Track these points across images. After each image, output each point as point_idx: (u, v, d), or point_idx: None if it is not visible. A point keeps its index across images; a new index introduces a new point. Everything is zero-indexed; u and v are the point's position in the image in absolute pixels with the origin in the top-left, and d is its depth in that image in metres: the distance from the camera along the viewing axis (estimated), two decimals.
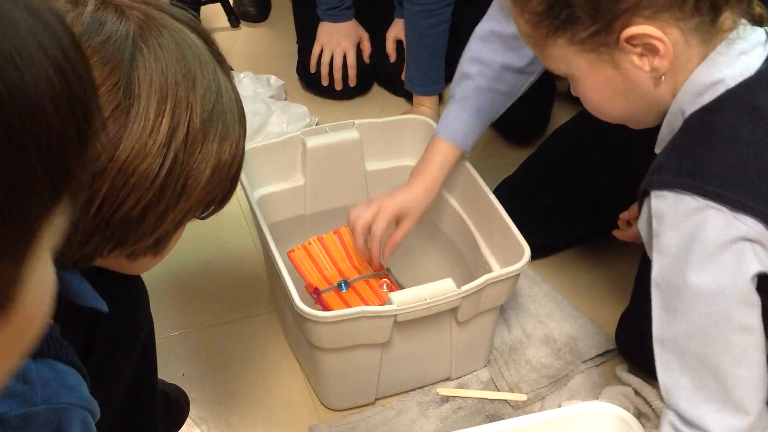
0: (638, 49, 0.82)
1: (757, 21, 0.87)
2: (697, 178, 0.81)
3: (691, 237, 0.81)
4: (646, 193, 0.86)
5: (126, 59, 0.65)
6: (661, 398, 1.15)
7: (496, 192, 1.39)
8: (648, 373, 1.18)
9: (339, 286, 1.28)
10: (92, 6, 0.66)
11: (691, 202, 0.80)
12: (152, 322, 0.91)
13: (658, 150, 0.91)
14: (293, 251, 1.32)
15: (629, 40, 0.81)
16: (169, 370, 1.24)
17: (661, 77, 0.84)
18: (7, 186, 0.35)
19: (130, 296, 0.86)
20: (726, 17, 0.84)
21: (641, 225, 0.89)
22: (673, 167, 0.83)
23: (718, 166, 0.81)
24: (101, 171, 0.64)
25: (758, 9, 0.87)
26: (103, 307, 0.69)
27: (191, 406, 1.19)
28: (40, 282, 0.41)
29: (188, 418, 1.18)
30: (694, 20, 0.82)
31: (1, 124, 0.35)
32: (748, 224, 0.79)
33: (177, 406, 1.14)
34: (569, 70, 0.89)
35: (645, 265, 1.28)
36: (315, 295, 1.27)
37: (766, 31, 0.87)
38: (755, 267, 0.80)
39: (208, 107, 0.69)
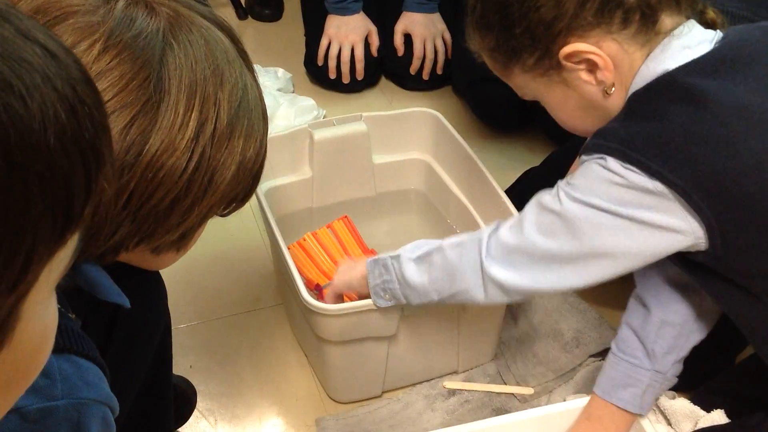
0: (582, 66, 0.88)
1: (710, 25, 0.90)
2: (623, 144, 0.84)
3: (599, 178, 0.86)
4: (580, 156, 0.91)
5: (156, 55, 0.65)
6: (667, 396, 1.16)
7: (517, 183, 1.39)
8: None
9: None
10: (123, 2, 0.67)
11: (613, 164, 0.84)
12: (169, 317, 0.92)
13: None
14: (290, 248, 1.32)
15: (567, 58, 0.87)
16: (176, 362, 1.23)
17: (611, 87, 0.88)
18: (8, 221, 0.34)
19: (148, 290, 0.87)
20: (664, 20, 0.87)
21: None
22: (606, 133, 0.87)
23: (644, 136, 0.83)
24: (131, 165, 0.64)
25: (711, 14, 0.91)
26: (126, 302, 0.69)
27: (198, 398, 1.19)
28: (40, 317, 0.40)
29: (195, 410, 1.19)
30: (628, 31, 0.86)
31: (4, 158, 0.34)
32: None
33: (184, 398, 1.15)
34: (534, 95, 0.96)
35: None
36: (316, 292, 1.27)
37: (717, 33, 0.89)
38: None
39: (235, 104, 0.69)
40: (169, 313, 0.91)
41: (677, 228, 0.84)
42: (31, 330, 0.39)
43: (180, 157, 0.66)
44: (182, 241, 0.74)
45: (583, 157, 0.88)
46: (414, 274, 1.00)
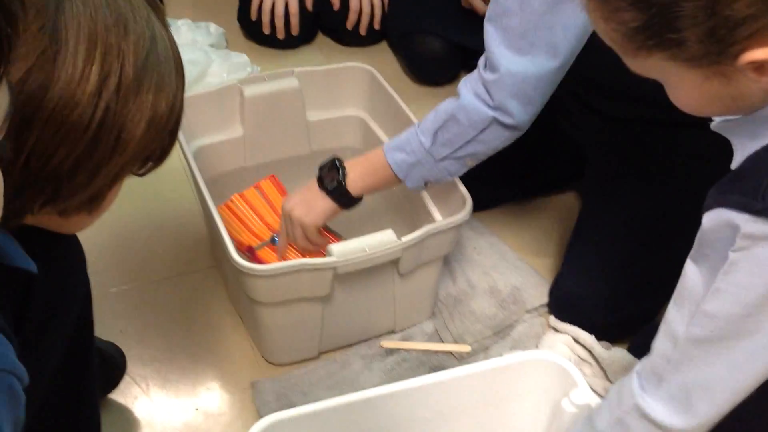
0: (757, 68, 0.71)
1: None
2: None
3: None
4: (732, 208, 0.74)
5: (52, 3, 0.61)
6: (603, 346, 1.17)
7: None
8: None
9: (272, 240, 1.26)
10: None
11: None
12: (89, 285, 0.89)
13: (720, 129, 0.80)
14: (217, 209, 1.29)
15: (749, 64, 0.71)
16: (106, 326, 1.21)
17: None
18: None
19: (66, 258, 0.83)
20: None
21: (708, 233, 0.77)
22: None
23: None
24: (28, 120, 0.60)
25: None
26: (32, 267, 0.66)
27: (130, 364, 1.16)
28: None
29: (126, 376, 1.16)
30: None
31: None
32: None
33: (113, 363, 1.12)
34: (663, 78, 0.78)
35: (579, 229, 1.29)
36: (248, 254, 1.24)
37: None
38: None
39: (142, 55, 0.66)
40: (88, 279, 0.88)
41: None
42: None
43: (82, 112, 0.62)
44: (93, 203, 0.70)
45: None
46: None
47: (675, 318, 0.79)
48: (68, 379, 0.90)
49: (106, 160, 0.66)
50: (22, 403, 0.56)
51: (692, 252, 0.79)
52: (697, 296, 0.77)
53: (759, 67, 0.70)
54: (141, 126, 0.66)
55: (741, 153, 0.77)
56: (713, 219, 0.75)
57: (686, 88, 0.77)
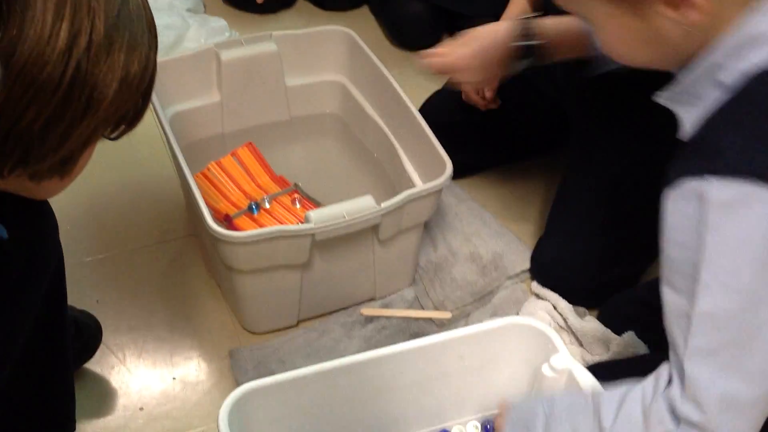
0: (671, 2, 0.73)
1: None
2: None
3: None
4: (694, 175, 0.71)
5: None
6: (576, 314, 1.16)
7: (421, 109, 1.35)
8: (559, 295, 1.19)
9: (250, 208, 1.24)
10: None
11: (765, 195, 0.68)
12: (61, 251, 0.87)
13: (665, 101, 0.80)
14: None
15: None
16: (82, 296, 1.19)
17: (693, 29, 0.74)
18: None
19: (37, 225, 0.81)
20: None
21: (674, 214, 0.74)
22: (741, 150, 0.70)
23: None
24: None
25: None
26: (2, 233, 0.65)
27: (106, 334, 1.14)
28: None
29: (103, 345, 1.14)
30: None
31: None
32: None
33: (88, 333, 1.10)
34: (588, 17, 0.79)
35: (561, 195, 1.27)
36: (226, 222, 1.22)
37: None
38: None
39: (113, 13, 0.64)
40: (60, 248, 0.86)
41: None
42: None
43: (52, 70, 0.61)
44: (65, 167, 0.68)
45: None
46: None
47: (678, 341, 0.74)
48: (41, 349, 0.89)
49: (78, 120, 0.64)
50: None
51: (662, 276, 0.75)
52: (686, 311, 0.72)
53: (675, 4, 0.71)
54: (113, 86, 0.65)
55: (689, 121, 0.77)
56: (677, 196, 0.72)
57: (609, 29, 0.78)
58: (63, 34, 0.61)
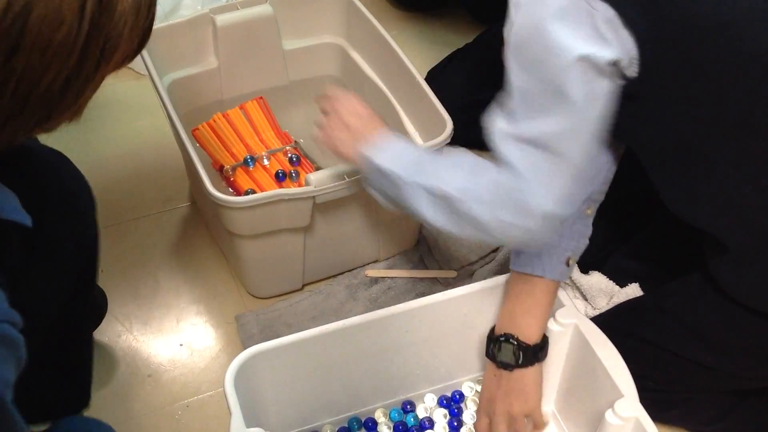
0: None
1: None
2: None
3: None
4: None
5: None
6: (582, 272, 1.15)
7: (442, 68, 1.32)
8: None
9: (245, 162, 1.24)
10: None
11: None
12: (95, 232, 0.90)
13: None
14: (197, 129, 1.26)
15: None
16: None
17: None
18: None
19: (67, 207, 0.84)
20: None
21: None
22: None
23: None
24: (14, 47, 0.58)
25: None
26: (26, 221, 0.66)
27: (111, 303, 1.15)
28: None
29: (109, 314, 1.14)
30: None
31: None
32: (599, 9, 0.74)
33: (94, 302, 1.10)
34: None
35: None
36: (219, 172, 1.23)
37: None
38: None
39: None
40: (95, 228, 0.89)
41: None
42: None
43: (68, 29, 0.60)
44: (77, 114, 0.68)
45: None
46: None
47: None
48: (64, 323, 0.90)
49: (93, 73, 0.64)
50: (21, 345, 0.58)
51: None
52: None
53: None
54: (125, 32, 0.64)
55: None
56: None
57: None
58: None
